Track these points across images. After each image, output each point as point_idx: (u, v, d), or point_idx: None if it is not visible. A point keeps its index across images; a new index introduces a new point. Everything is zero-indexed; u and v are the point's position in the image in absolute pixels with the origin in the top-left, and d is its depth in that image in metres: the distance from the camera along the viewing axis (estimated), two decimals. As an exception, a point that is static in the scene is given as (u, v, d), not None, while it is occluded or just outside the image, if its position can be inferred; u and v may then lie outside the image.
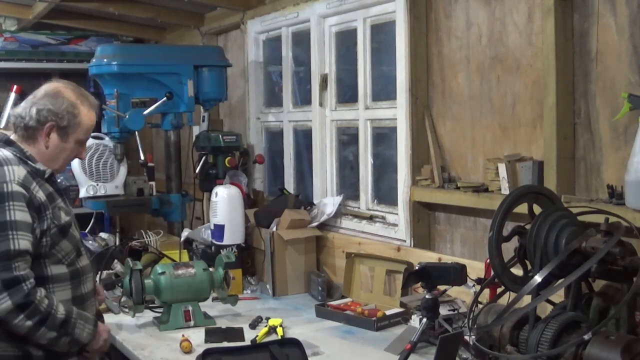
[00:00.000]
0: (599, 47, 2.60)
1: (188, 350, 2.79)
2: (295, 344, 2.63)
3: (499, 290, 2.49)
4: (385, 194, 3.77)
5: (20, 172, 2.28)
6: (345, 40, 4.01)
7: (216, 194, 3.92)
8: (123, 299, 3.31)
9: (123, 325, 3.18)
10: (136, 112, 4.01)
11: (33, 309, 2.19)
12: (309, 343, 2.81)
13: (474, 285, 2.71)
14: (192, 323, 3.11)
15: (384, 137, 3.75)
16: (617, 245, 2.05)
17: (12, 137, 2.39)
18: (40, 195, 2.30)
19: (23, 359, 2.26)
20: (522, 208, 2.30)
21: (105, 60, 4.07)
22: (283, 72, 4.50)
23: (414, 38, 3.34)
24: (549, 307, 2.30)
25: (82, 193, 4.44)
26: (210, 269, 3.27)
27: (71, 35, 5.84)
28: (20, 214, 2.22)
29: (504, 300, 2.37)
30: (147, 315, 3.26)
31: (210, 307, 3.36)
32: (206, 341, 2.91)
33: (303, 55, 4.34)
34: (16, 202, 2.22)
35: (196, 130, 4.62)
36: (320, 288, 3.62)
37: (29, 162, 2.35)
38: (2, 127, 5.43)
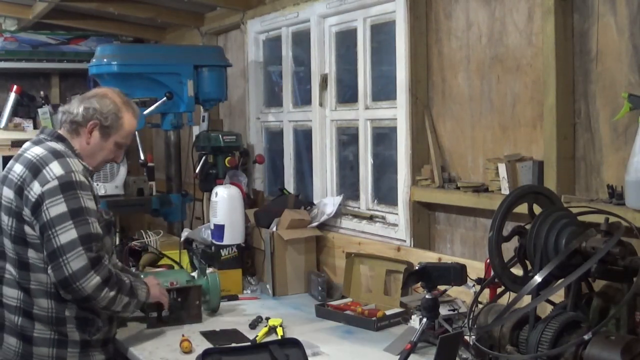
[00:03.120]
0: (599, 47, 2.60)
1: (188, 350, 2.79)
2: (295, 344, 2.62)
3: (499, 290, 2.49)
4: (385, 194, 3.77)
5: (78, 165, 2.49)
6: (345, 40, 4.01)
7: (216, 194, 3.92)
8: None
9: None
10: (136, 112, 4.00)
11: (113, 281, 2.45)
12: (309, 343, 2.81)
13: (474, 285, 2.72)
14: None
15: (384, 137, 3.76)
16: (617, 245, 2.05)
17: (61, 132, 2.59)
18: (94, 189, 2.55)
19: (59, 343, 2.44)
20: (522, 208, 2.30)
21: (105, 60, 4.07)
22: (283, 72, 4.50)
23: (414, 38, 3.34)
24: (549, 307, 2.30)
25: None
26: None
27: (71, 35, 5.85)
28: (89, 202, 2.44)
29: (504, 300, 2.37)
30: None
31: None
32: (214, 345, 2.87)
33: (303, 55, 4.35)
34: (84, 191, 2.43)
35: (196, 130, 4.61)
36: (320, 288, 3.62)
37: (78, 158, 2.55)
38: (2, 127, 5.44)
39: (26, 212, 2.39)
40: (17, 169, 2.48)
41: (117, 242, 4.34)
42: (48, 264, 2.37)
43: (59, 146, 2.53)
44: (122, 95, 2.70)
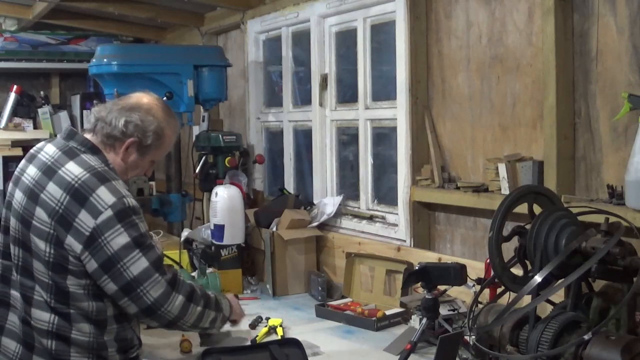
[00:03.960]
0: (599, 47, 2.60)
1: (188, 350, 2.79)
2: (295, 344, 2.62)
3: (499, 290, 2.49)
4: (385, 194, 3.77)
5: (124, 186, 2.30)
6: (345, 40, 4.01)
7: (216, 194, 3.92)
8: None
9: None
10: (136, 112, 4.00)
11: (197, 295, 2.33)
12: (309, 343, 2.81)
13: (474, 285, 2.72)
14: None
15: (384, 137, 3.76)
16: (617, 245, 2.05)
17: (93, 140, 2.35)
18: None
19: None
20: (522, 208, 2.30)
21: (105, 60, 4.07)
22: (283, 72, 4.50)
23: (414, 38, 3.34)
24: (549, 307, 2.30)
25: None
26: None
27: (71, 35, 5.85)
28: (144, 225, 2.28)
29: (504, 300, 2.37)
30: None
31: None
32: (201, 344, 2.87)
33: (303, 55, 4.35)
34: (138, 216, 2.27)
35: (196, 130, 4.62)
36: (320, 288, 3.62)
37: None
38: (2, 127, 5.44)
39: (74, 245, 2.18)
40: (53, 190, 2.22)
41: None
42: (121, 298, 2.21)
43: (96, 162, 2.29)
44: (165, 108, 2.49)
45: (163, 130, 2.41)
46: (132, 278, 2.19)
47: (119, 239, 2.19)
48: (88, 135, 2.37)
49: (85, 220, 2.18)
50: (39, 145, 2.44)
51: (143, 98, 2.44)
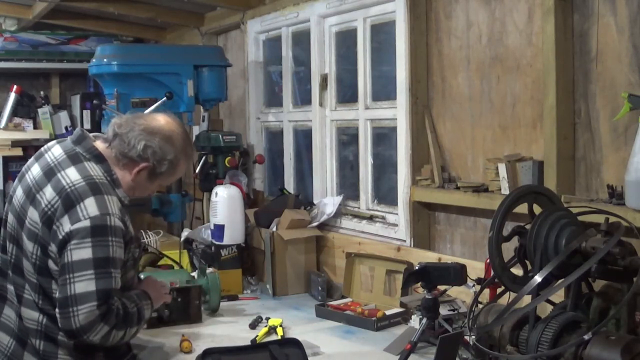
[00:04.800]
0: (599, 47, 2.60)
1: (188, 350, 2.79)
2: (295, 344, 2.63)
3: (499, 290, 2.49)
4: (385, 194, 3.77)
5: (117, 204, 2.24)
6: (345, 40, 4.01)
7: (216, 194, 3.92)
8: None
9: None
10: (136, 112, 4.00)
11: (120, 323, 2.21)
12: (309, 343, 2.81)
13: (474, 285, 2.72)
14: None
15: (384, 137, 3.76)
16: (617, 245, 2.05)
17: (107, 152, 2.32)
18: (131, 229, 2.28)
19: None
20: (522, 208, 2.30)
21: (105, 60, 4.07)
22: (283, 72, 4.50)
23: (414, 38, 3.34)
24: (549, 307, 2.30)
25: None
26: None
27: (71, 35, 5.85)
28: (119, 250, 2.20)
29: (504, 300, 2.37)
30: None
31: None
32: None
33: (303, 55, 4.35)
34: (116, 238, 2.18)
35: (196, 130, 4.62)
36: (320, 288, 3.62)
37: (114, 186, 2.29)
38: (2, 127, 5.44)
39: (53, 248, 2.17)
40: (48, 193, 2.21)
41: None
42: (56, 307, 2.15)
43: (97, 171, 2.26)
44: (185, 136, 2.43)
45: (179, 161, 2.39)
46: (72, 294, 2.12)
47: (82, 252, 2.13)
48: (101, 145, 2.34)
49: (64, 224, 2.15)
50: (49, 144, 2.43)
51: (166, 122, 2.40)
